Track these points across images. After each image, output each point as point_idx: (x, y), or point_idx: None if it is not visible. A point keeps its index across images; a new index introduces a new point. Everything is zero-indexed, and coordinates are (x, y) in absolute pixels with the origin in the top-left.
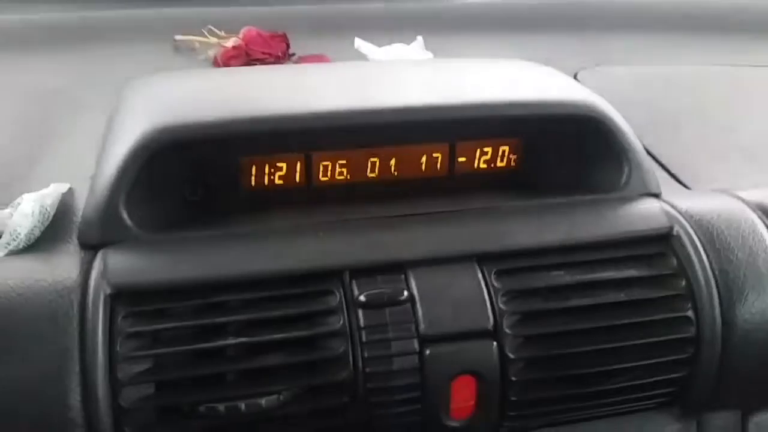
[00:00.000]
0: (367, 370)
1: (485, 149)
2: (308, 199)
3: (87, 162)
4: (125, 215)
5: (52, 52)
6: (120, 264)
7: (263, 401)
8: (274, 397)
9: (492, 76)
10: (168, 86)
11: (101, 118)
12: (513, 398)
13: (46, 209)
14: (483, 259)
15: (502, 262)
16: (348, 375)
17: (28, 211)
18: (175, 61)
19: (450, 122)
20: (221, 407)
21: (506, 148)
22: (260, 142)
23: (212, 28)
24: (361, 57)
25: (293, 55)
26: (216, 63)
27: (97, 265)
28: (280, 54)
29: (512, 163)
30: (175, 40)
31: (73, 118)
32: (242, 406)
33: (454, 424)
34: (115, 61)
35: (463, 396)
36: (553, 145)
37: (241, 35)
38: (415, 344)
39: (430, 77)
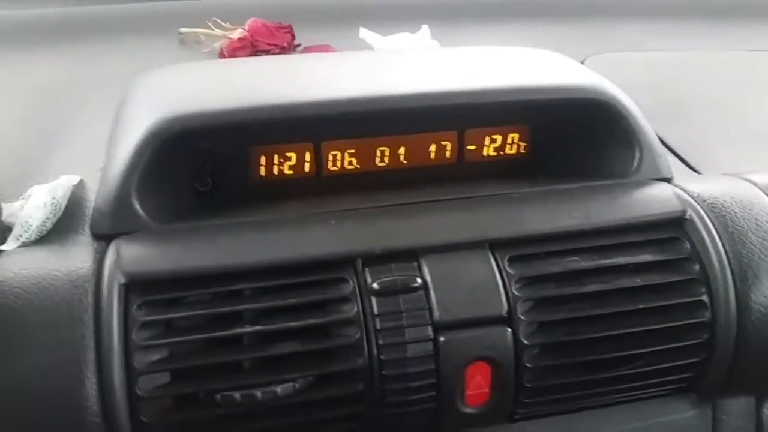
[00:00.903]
0: (382, 357)
1: (494, 137)
2: (318, 188)
3: (95, 155)
4: (137, 205)
5: (57, 47)
6: (133, 253)
7: (279, 389)
8: (290, 384)
9: (500, 63)
10: (176, 77)
11: (108, 111)
12: (528, 385)
13: (58, 200)
14: (496, 245)
15: (515, 248)
16: (363, 362)
17: (40, 202)
18: (180, 55)
19: (459, 108)
20: (237, 395)
21: (515, 135)
22: (269, 132)
23: (217, 20)
24: (367, 47)
25: (298, 46)
26: (222, 55)
27: (110, 254)
28: (285, 45)
29: (522, 150)
30: (180, 33)
31: (80, 112)
32: (258, 394)
33: (469, 410)
34: (121, 56)
35: (478, 382)
36: (563, 132)
37: (246, 27)
38: (429, 331)
39: (437, 65)
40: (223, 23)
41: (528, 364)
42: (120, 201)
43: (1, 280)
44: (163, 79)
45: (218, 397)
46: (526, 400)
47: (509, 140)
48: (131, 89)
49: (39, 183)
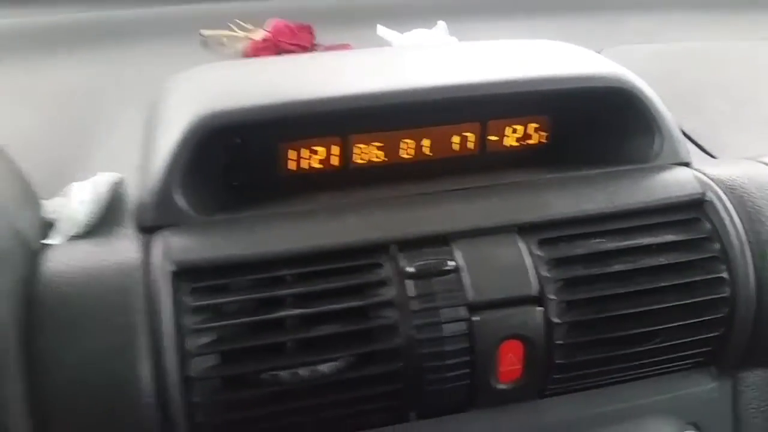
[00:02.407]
0: (419, 337)
1: (516, 127)
2: (345, 181)
3: (128, 154)
4: (179, 198)
5: (81, 52)
6: (179, 243)
7: (323, 368)
8: (333, 364)
9: (519, 55)
10: (210, 76)
11: (134, 113)
12: (558, 361)
13: (101, 196)
14: (524, 229)
15: (543, 231)
16: (400, 342)
17: (86, 198)
18: (203, 57)
19: (482, 100)
20: (283, 374)
21: (536, 125)
22: (298, 127)
23: (239, 21)
24: (385, 44)
25: (318, 46)
26: (246, 56)
27: (158, 245)
28: (307, 45)
29: (543, 140)
30: (202, 36)
31: (108, 114)
32: (303, 373)
33: (502, 387)
34: (145, 59)
35: (510, 360)
36: (583, 121)
37: (269, 27)
38: (464, 311)
39: (458, 59)
40: (245, 24)
41: (558, 342)
42: (163, 195)
43: (53, 272)
44: (196, 80)
45: (265, 376)
46: (556, 376)
47: (530, 130)
48: (165, 89)
49: (74, 181)
